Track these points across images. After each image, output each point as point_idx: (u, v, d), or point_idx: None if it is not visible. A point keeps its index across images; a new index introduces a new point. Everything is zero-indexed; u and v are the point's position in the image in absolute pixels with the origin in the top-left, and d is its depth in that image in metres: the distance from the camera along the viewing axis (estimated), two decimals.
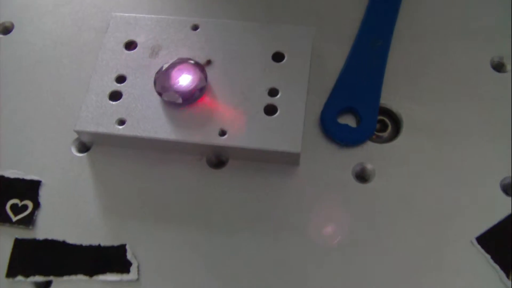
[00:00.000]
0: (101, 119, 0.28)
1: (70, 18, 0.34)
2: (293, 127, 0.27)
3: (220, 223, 0.27)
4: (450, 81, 0.30)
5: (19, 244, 0.27)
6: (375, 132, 0.28)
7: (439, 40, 0.31)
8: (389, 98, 0.29)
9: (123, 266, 0.26)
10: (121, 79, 0.29)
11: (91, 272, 0.26)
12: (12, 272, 0.27)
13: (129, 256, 0.26)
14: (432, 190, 0.27)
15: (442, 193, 0.27)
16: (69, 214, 0.28)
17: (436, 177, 0.27)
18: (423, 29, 0.32)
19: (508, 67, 0.30)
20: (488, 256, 0.25)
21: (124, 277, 0.26)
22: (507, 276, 0.25)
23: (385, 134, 0.29)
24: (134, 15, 0.31)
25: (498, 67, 0.30)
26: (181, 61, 0.28)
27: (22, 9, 0.35)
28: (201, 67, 0.28)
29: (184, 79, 0.28)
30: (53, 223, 0.28)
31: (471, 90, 0.30)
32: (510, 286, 0.24)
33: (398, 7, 0.32)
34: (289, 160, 0.27)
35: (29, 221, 0.28)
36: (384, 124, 0.29)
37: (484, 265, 0.25)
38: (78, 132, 0.28)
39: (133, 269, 0.26)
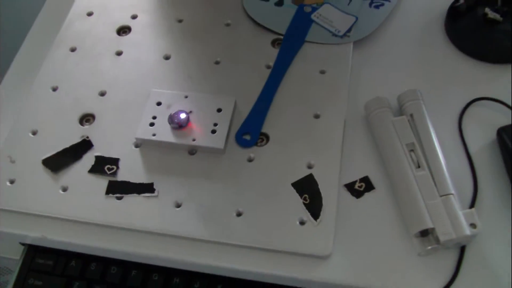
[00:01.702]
0: (145, 133, 0.67)
1: (133, 89, 0.74)
2: (221, 137, 0.66)
3: (192, 174, 0.65)
4: (293, 124, 0.68)
5: (110, 182, 0.65)
6: (257, 142, 0.68)
7: (292, 107, 0.71)
8: (266, 127, 0.68)
9: (151, 190, 0.65)
10: (154, 117, 0.69)
11: (139, 192, 0.65)
12: (107, 192, 0.65)
13: (154, 186, 0.65)
14: (278, 164, 0.65)
15: (283, 166, 0.64)
16: (131, 172, 0.66)
17: (278, 160, 0.65)
18: (288, 100, 0.71)
19: (322, 116, 0.69)
20: (294, 191, 0.64)
21: (151, 195, 0.65)
22: (303, 200, 0.63)
23: (262, 143, 0.67)
24: (161, 90, 0.72)
25: (316, 117, 0.69)
26: (179, 111, 0.68)
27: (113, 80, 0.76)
28: (187, 114, 0.68)
29: (179, 119, 0.67)
30: (124, 175, 0.66)
31: (300, 127, 0.69)
32: (306, 214, 0.63)
33: (277, 87, 0.72)
34: (219, 152, 0.66)
35: (114, 174, 0.67)
36: (262, 139, 0.68)
37: (298, 199, 0.64)
38: (136, 138, 0.68)
39: (156, 191, 0.64)
